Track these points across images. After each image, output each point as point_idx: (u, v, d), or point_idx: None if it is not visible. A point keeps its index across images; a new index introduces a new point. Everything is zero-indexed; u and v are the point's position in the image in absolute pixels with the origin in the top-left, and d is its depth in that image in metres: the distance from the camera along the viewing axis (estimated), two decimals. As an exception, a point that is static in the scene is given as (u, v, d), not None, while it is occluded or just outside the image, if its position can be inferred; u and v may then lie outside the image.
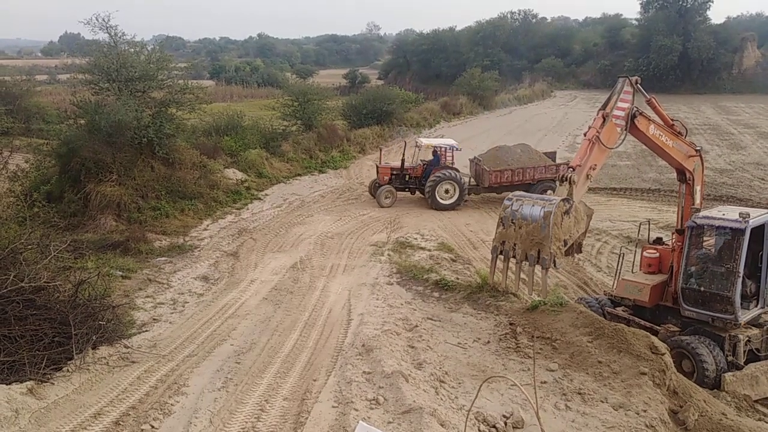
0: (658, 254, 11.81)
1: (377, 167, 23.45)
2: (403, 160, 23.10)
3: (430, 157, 23.81)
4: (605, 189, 25.55)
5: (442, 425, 7.17)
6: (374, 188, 23.08)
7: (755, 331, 11.00)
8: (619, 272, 12.93)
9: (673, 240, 11.75)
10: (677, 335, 11.10)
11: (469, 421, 7.88)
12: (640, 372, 9.00)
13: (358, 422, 6.98)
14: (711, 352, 10.45)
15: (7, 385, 7.84)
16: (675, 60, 61.11)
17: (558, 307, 11.38)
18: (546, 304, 11.58)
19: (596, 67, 71.48)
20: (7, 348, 8.51)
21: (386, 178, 22.62)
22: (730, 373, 10.27)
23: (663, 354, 9.31)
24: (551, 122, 44.67)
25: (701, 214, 11.02)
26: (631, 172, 28.41)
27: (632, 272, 12.27)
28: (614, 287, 11.88)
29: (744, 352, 10.69)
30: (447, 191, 22.10)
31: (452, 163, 23.21)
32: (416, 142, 24.23)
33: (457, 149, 23.41)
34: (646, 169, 28.88)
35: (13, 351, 8.50)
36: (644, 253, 11.79)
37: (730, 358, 10.62)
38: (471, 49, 75.15)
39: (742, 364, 10.59)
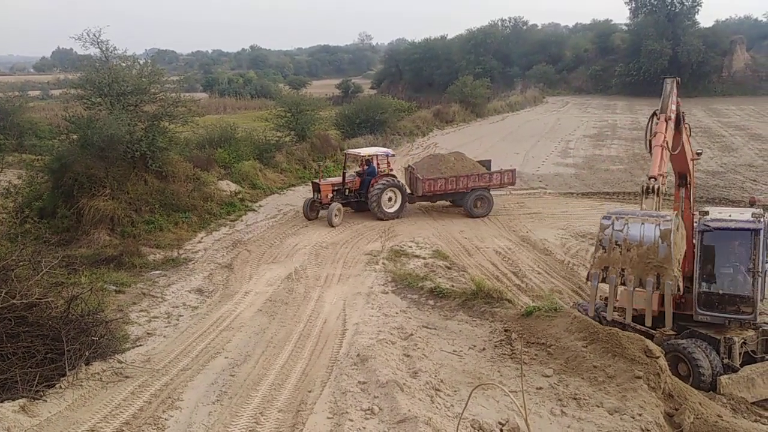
0: None
1: (315, 184, 21.64)
2: (344, 174, 22.03)
3: (358, 168, 22.89)
4: (598, 193, 25.68)
5: (437, 434, 7.15)
6: (310, 208, 21.46)
7: (751, 333, 10.95)
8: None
9: None
10: (673, 339, 11.08)
11: (465, 429, 7.86)
12: (635, 376, 8.99)
13: (352, 433, 6.96)
14: (707, 355, 10.41)
15: (-2, 403, 7.78)
16: (665, 64, 61.55)
17: (552, 313, 11.37)
18: (540, 310, 11.58)
19: (587, 72, 72.03)
20: (-1, 366, 8.46)
21: (329, 195, 21.18)
22: (725, 376, 10.23)
23: (657, 357, 9.31)
24: (544, 128, 44.90)
25: (710, 217, 10.87)
26: (623, 176, 28.55)
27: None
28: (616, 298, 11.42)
29: (740, 354, 10.64)
30: (390, 199, 21.50)
31: (391, 170, 22.72)
32: (345, 155, 23.51)
33: (391, 155, 22.90)
34: (639, 173, 28.98)
35: (5, 368, 8.45)
36: None
37: (725, 361, 10.58)
38: (463, 57, 75.54)
39: (738, 366, 10.55)
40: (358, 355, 10.08)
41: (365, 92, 76.17)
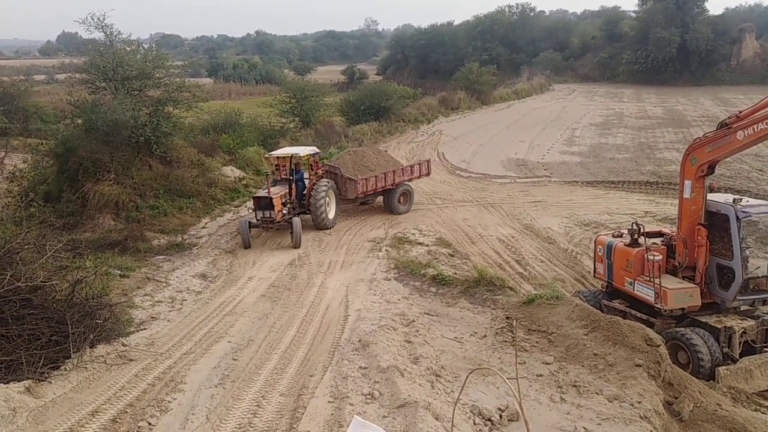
0: (661, 256, 11.58)
1: (264, 199, 17.19)
2: (290, 182, 18.49)
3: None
4: (603, 182, 25.57)
5: (436, 419, 7.21)
6: (250, 232, 17.28)
7: (751, 322, 10.94)
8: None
9: (698, 235, 11.03)
10: (673, 327, 11.09)
11: (464, 415, 7.94)
12: (635, 364, 9.02)
13: (353, 417, 7.02)
14: (706, 343, 10.43)
15: (4, 384, 7.88)
16: (673, 52, 60.95)
17: (554, 301, 11.40)
18: (542, 298, 11.61)
19: (595, 60, 71.34)
20: (5, 347, 8.55)
21: (282, 210, 17.60)
22: (724, 367, 10.23)
23: (658, 346, 9.33)
24: (549, 116, 44.65)
25: (743, 205, 10.71)
26: (629, 165, 28.40)
27: (657, 281, 11.25)
28: (660, 301, 11.02)
29: (739, 343, 10.66)
30: (328, 203, 18.82)
31: (319, 170, 19.65)
32: (268, 158, 19.88)
33: (317, 154, 19.92)
34: (645, 162, 28.89)
35: (11, 350, 8.55)
36: (650, 257, 11.15)
37: (725, 350, 10.61)
38: (469, 44, 74.95)
39: (737, 356, 10.56)
40: (359, 340, 10.14)
41: (370, 78, 75.85)
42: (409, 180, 21.33)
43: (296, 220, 17.29)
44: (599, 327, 10.10)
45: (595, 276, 13.44)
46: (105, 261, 14.71)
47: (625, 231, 12.58)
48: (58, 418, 7.62)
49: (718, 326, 10.70)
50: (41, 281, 9.39)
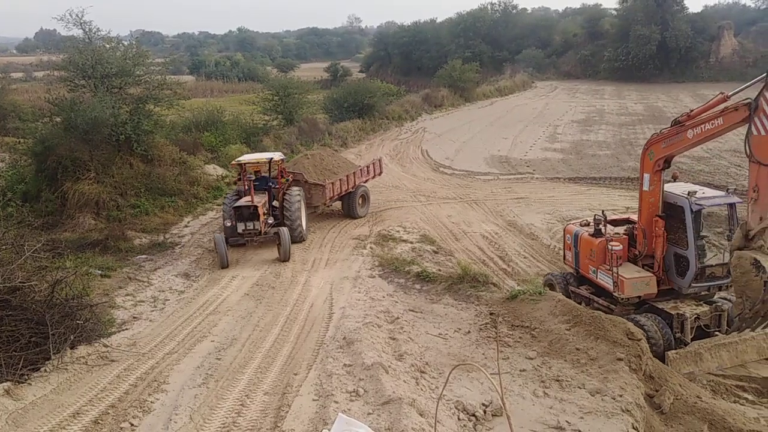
0: (621, 246, 11.92)
1: (247, 209, 15.61)
2: (270, 189, 16.97)
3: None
4: (585, 179, 25.80)
5: (421, 415, 7.23)
6: (225, 241, 15.40)
7: (705, 308, 11.36)
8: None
9: (656, 226, 11.49)
10: (631, 313, 11.46)
11: (449, 410, 7.97)
12: (616, 358, 9.14)
13: (337, 414, 7.01)
14: (659, 329, 10.86)
15: (-18, 386, 7.76)
16: (653, 49, 61.56)
17: (537, 296, 11.50)
18: (525, 293, 11.70)
19: (576, 57, 71.80)
20: (-17, 349, 8.42)
21: (267, 221, 16.01)
22: (673, 351, 10.63)
23: (639, 340, 9.46)
24: (532, 113, 44.92)
25: (697, 197, 11.07)
26: (610, 161, 28.69)
27: (616, 270, 11.64)
28: (618, 290, 11.49)
29: (692, 329, 11.08)
30: (302, 213, 17.28)
31: (288, 177, 17.82)
32: (240, 164, 17.50)
33: (283, 160, 18.05)
34: (625, 158, 29.19)
35: (-11, 352, 8.42)
36: (610, 247, 11.61)
37: (678, 335, 11.03)
38: (452, 41, 75.08)
39: (689, 340, 10.99)
40: (344, 338, 10.14)
41: (354, 76, 75.66)
42: (365, 181, 20.43)
43: (284, 230, 15.61)
44: (581, 322, 10.21)
45: (564, 263, 13.89)
46: (85, 261, 14.52)
47: (592, 220, 12.97)
48: (39, 420, 7.52)
49: (672, 312, 11.16)
50: (20, 282, 9.25)
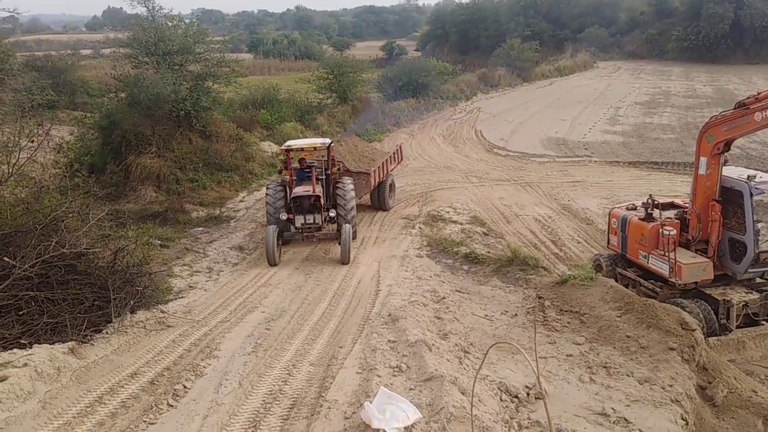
0: (676, 231, 11.53)
1: (308, 199, 13.87)
2: (329, 175, 15.11)
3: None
4: (646, 163, 24.85)
5: (462, 393, 7.25)
6: (277, 244, 13.74)
7: (755, 296, 11.00)
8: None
9: (712, 210, 11.17)
10: (677, 297, 11.15)
11: (491, 391, 7.97)
12: (668, 347, 8.86)
13: (379, 388, 7.14)
14: (704, 314, 10.60)
15: (50, 344, 8.28)
16: (726, 29, 58.12)
17: (588, 282, 11.25)
18: (576, 278, 11.47)
19: (642, 36, 68.64)
20: (51, 310, 8.97)
21: (329, 215, 14.38)
22: (714, 338, 10.39)
23: (693, 330, 9.13)
24: (593, 94, 43.46)
25: (757, 182, 10.69)
26: (674, 146, 27.50)
27: (673, 255, 11.21)
28: (675, 275, 11.10)
29: (738, 316, 10.76)
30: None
31: (339, 164, 15.83)
32: (286, 150, 15.00)
33: (329, 144, 15.35)
34: (691, 142, 27.80)
35: (56, 313, 8.96)
36: (666, 232, 11.21)
37: (723, 322, 10.73)
38: (511, 19, 73.06)
39: (734, 328, 10.70)
40: (389, 315, 10.24)
41: (410, 54, 74.97)
42: (393, 169, 19.11)
43: (348, 227, 13.72)
44: (633, 309, 9.94)
45: (608, 247, 13.57)
46: (146, 231, 15.16)
47: (639, 204, 12.63)
48: (100, 378, 7.98)
49: (719, 298, 10.86)
50: (85, 248, 9.76)
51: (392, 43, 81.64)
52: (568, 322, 10.42)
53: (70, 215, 10.12)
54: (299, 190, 14.12)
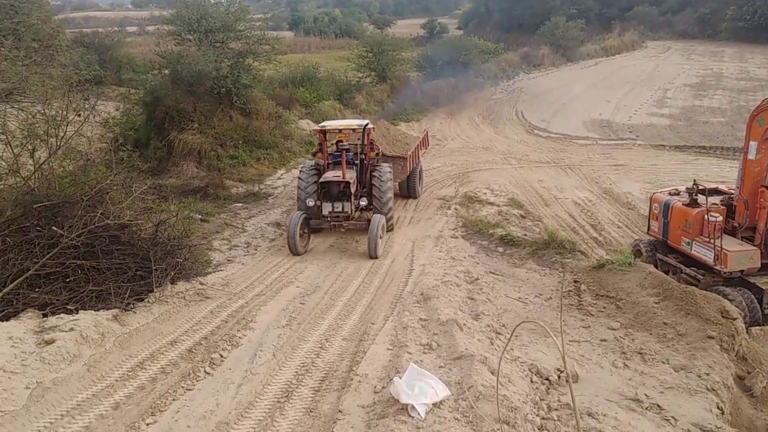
0: (722, 217, 11.15)
1: (333, 185, 13.08)
2: (363, 160, 14.16)
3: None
4: (693, 147, 24.05)
5: (492, 373, 7.26)
6: (301, 233, 12.99)
7: None
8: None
9: (761, 197, 10.86)
10: (720, 285, 10.87)
11: (522, 372, 7.95)
12: (707, 336, 8.66)
13: (409, 364, 7.21)
14: (747, 303, 10.31)
15: (95, 311, 8.64)
16: (787, 7, 55.34)
17: (626, 267, 11.05)
18: (613, 263, 11.27)
19: (695, 15, 65.90)
20: (96, 278, 9.34)
21: (360, 203, 13.59)
22: (757, 327, 10.12)
23: (734, 319, 8.89)
24: (640, 75, 42.09)
25: None
26: (724, 130, 26.49)
27: (718, 242, 10.88)
28: (720, 263, 10.77)
29: None
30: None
31: (377, 148, 14.99)
32: (322, 132, 14.33)
33: (369, 127, 14.38)
34: (742, 126, 26.71)
35: (101, 281, 9.33)
36: (713, 218, 10.88)
37: (767, 311, 10.47)
38: (557, -3, 71.08)
39: None
40: (422, 294, 10.28)
41: (451, 33, 73.81)
42: (423, 154, 18.47)
43: (379, 218, 12.81)
44: (672, 296, 9.72)
45: (648, 233, 13.19)
46: (187, 206, 15.52)
47: (683, 189, 12.28)
48: (141, 344, 8.30)
49: (764, 288, 10.55)
50: (128, 220, 10.08)
51: (433, 21, 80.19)
52: (604, 307, 10.29)
53: (115, 188, 10.45)
54: (329, 174, 13.33)
